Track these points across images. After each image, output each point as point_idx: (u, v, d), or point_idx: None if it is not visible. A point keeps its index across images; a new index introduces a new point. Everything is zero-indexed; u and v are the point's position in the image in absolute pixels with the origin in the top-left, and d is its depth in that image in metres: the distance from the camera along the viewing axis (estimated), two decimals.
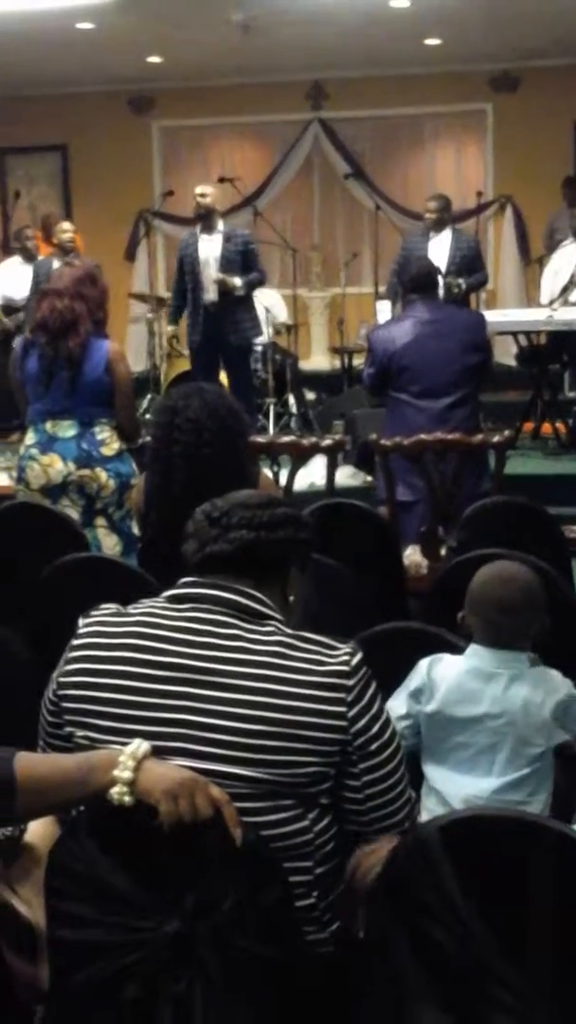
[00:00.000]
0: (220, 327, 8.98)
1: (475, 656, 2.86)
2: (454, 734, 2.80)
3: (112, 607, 2.31)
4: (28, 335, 5.19)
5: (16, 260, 11.11)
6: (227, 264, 8.90)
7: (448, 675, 2.84)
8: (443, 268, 8.96)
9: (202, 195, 9.11)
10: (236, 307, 9.01)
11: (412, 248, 9.52)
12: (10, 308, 10.80)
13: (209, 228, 9.06)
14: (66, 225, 9.94)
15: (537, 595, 2.88)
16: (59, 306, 5.07)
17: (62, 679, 2.24)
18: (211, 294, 8.98)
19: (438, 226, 9.47)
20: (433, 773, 2.81)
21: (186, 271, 9.12)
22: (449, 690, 2.80)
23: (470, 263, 9.28)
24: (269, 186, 13.38)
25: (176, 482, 3.45)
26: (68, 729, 2.21)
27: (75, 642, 2.26)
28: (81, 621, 2.30)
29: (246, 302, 9.15)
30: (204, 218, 9.07)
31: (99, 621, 2.27)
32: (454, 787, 2.75)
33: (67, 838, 2.02)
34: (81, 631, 2.28)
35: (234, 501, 2.36)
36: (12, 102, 13.13)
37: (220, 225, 9.15)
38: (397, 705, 2.79)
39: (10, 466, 7.89)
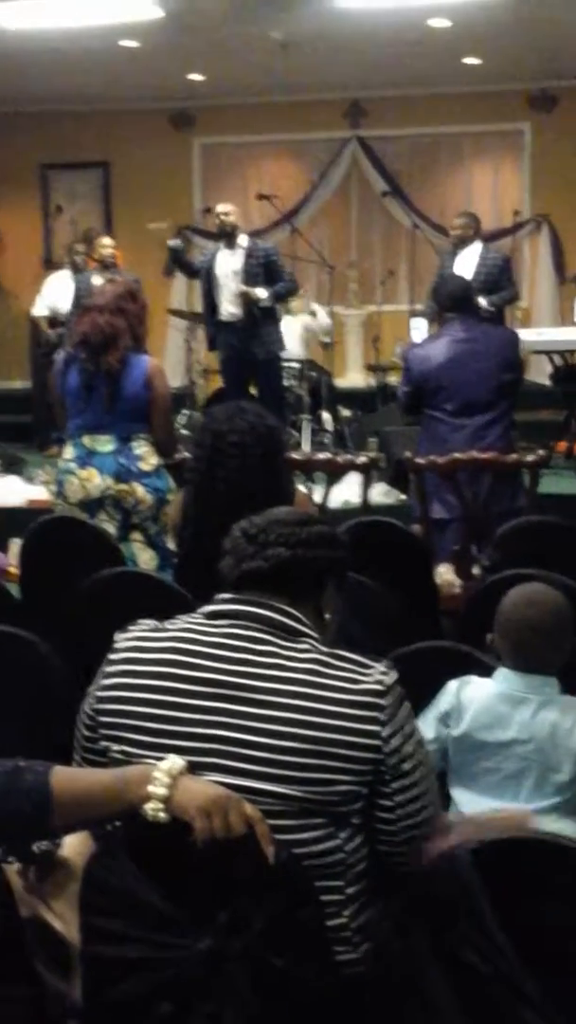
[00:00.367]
0: (245, 342, 9.00)
1: (504, 680, 2.85)
2: (482, 758, 2.80)
3: (149, 623, 2.32)
4: (69, 350, 5.22)
5: (65, 273, 11.14)
6: (249, 278, 8.89)
7: (477, 698, 2.83)
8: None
9: (226, 213, 9.13)
10: (261, 321, 9.00)
11: (445, 267, 9.55)
12: (55, 320, 10.87)
13: (231, 244, 9.06)
14: (106, 240, 10.01)
15: (567, 618, 2.87)
16: (100, 321, 5.09)
17: (99, 693, 2.25)
18: (233, 308, 8.99)
19: (462, 243, 9.43)
20: (461, 796, 2.80)
21: (205, 288, 9.19)
22: (478, 714, 2.80)
23: (495, 280, 9.13)
24: (307, 203, 13.40)
25: (216, 502, 3.45)
26: (104, 744, 2.22)
27: (112, 657, 2.28)
28: (118, 636, 2.31)
29: (270, 316, 9.14)
30: (228, 235, 9.08)
31: (136, 636, 2.29)
32: (481, 811, 2.75)
33: (102, 853, 2.04)
34: (118, 646, 2.29)
35: (271, 518, 2.37)
36: (55, 118, 13.23)
37: (243, 241, 9.13)
38: (425, 728, 2.78)
39: (49, 480, 7.95)
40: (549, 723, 2.76)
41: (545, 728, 2.76)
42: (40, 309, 11.26)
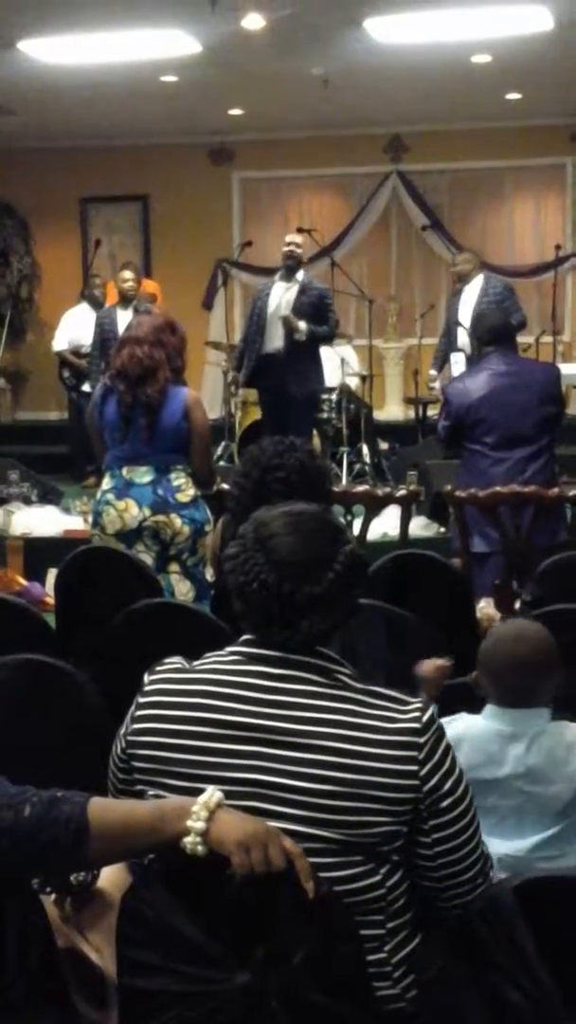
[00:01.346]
0: (282, 377, 8.96)
1: (494, 717, 2.81)
2: (480, 797, 2.76)
3: (176, 662, 2.29)
4: (107, 381, 5.23)
5: (84, 307, 11.28)
6: (299, 316, 8.85)
7: (468, 737, 2.79)
8: (468, 318, 8.97)
9: (297, 245, 9.06)
10: (301, 357, 8.97)
11: (451, 313, 9.63)
12: (78, 354, 10.99)
13: (290, 277, 9.00)
14: (127, 274, 10.01)
15: (550, 653, 2.84)
16: (139, 353, 5.10)
17: (130, 738, 2.23)
18: (276, 342, 8.96)
19: (464, 279, 9.55)
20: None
21: (253, 318, 9.14)
22: (471, 753, 2.76)
23: (498, 306, 9.16)
24: (347, 237, 13.46)
25: None
26: (139, 787, 2.20)
27: (141, 699, 2.25)
28: (146, 678, 2.28)
29: (311, 353, 9.11)
30: (291, 268, 9.00)
31: (164, 678, 2.25)
32: (493, 850, 2.71)
33: (139, 886, 2.02)
34: (147, 688, 2.26)
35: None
36: (94, 152, 13.35)
37: (300, 275, 9.10)
38: None
39: (86, 510, 7.97)
40: (545, 752, 2.74)
41: (541, 758, 2.73)
42: (60, 344, 11.39)
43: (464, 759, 2.72)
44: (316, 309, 8.93)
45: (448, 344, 9.70)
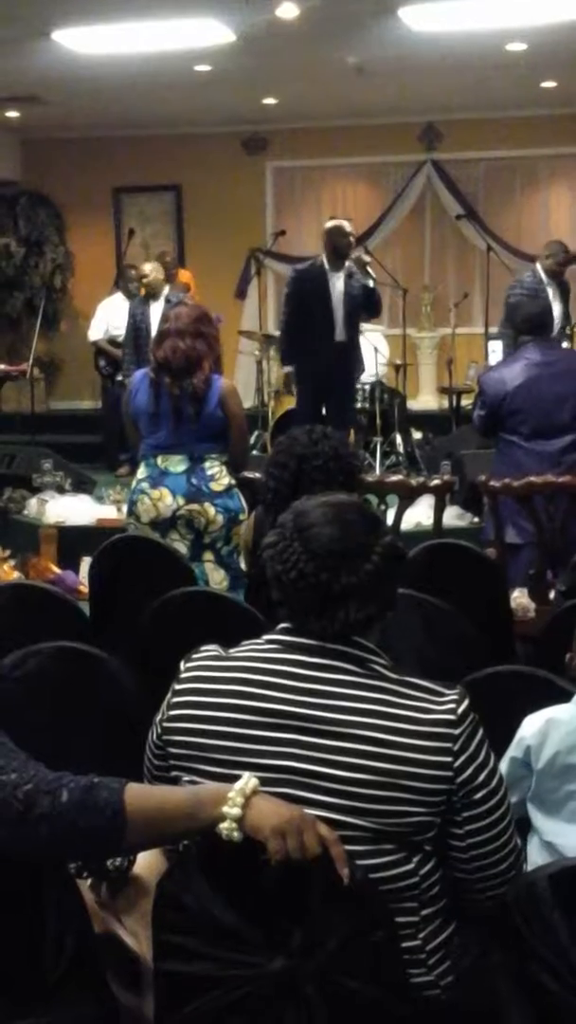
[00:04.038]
0: (337, 365, 8.68)
1: None
2: (567, 783, 2.74)
3: (212, 649, 2.30)
4: (151, 374, 5.24)
5: (119, 297, 11.30)
6: (351, 300, 8.63)
7: (561, 722, 2.77)
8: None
9: (351, 232, 8.77)
10: (355, 344, 8.83)
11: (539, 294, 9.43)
12: (114, 343, 11.01)
13: (339, 266, 8.66)
14: (146, 267, 10.01)
15: None
16: (182, 346, 5.14)
17: (166, 724, 2.24)
18: (341, 332, 8.68)
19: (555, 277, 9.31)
20: (545, 825, 2.73)
21: (313, 308, 8.65)
22: (563, 737, 2.75)
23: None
24: (381, 226, 13.45)
25: None
26: (175, 773, 2.21)
27: (177, 687, 2.26)
28: (182, 665, 2.30)
29: (358, 340, 8.98)
30: (341, 256, 8.64)
31: (200, 665, 2.27)
32: (569, 839, 2.69)
33: (176, 871, 2.03)
34: (183, 675, 2.27)
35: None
36: (128, 142, 13.37)
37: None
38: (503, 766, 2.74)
39: (119, 499, 8.00)
40: None
41: None
42: (96, 333, 11.41)
43: (557, 744, 2.72)
44: (365, 294, 8.70)
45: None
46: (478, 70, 10.68)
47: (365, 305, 8.69)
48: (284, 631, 2.25)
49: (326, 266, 8.68)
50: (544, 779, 2.75)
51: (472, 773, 2.10)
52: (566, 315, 9.28)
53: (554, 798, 2.74)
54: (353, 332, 8.78)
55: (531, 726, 2.77)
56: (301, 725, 2.11)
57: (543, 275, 9.15)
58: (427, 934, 2.10)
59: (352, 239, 8.79)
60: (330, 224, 8.93)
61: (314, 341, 8.69)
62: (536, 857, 2.65)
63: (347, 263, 8.66)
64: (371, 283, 8.60)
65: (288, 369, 9.77)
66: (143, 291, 9.93)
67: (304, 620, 2.20)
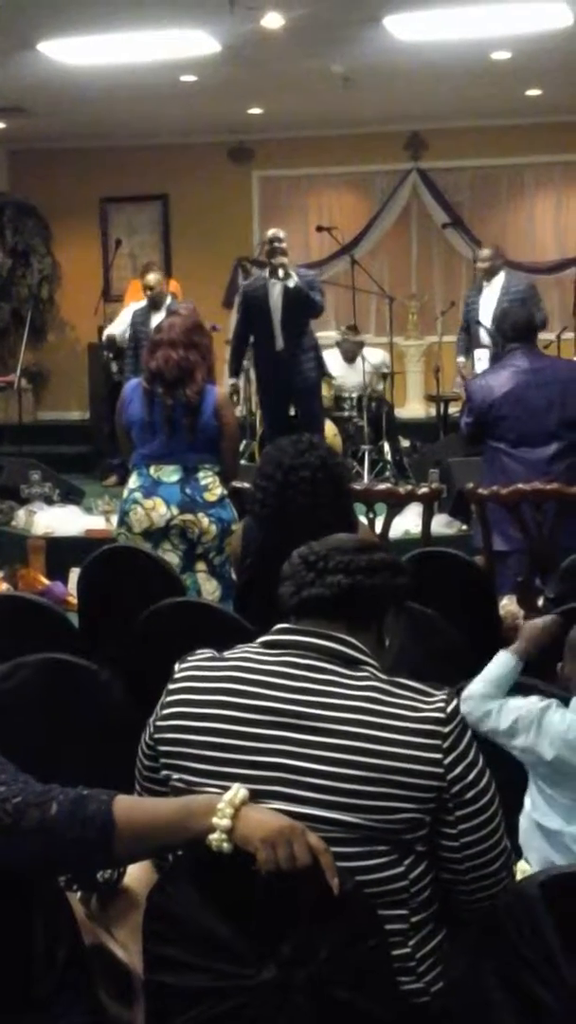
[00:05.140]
0: (287, 373, 8.80)
1: None
2: (562, 788, 2.75)
3: (207, 652, 2.32)
4: (145, 384, 5.24)
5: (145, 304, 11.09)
6: (287, 304, 8.65)
7: (559, 728, 2.78)
8: (489, 316, 8.94)
9: (281, 240, 8.85)
10: (297, 350, 8.83)
11: (470, 306, 9.64)
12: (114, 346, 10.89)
13: (278, 275, 8.67)
14: (150, 278, 10.01)
15: None
16: (174, 356, 5.14)
17: (158, 723, 2.25)
18: (280, 341, 8.78)
19: (490, 275, 9.56)
20: (543, 820, 2.74)
21: (256, 320, 8.87)
22: (561, 746, 2.75)
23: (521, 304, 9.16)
24: (367, 235, 13.48)
25: (285, 535, 3.41)
26: (165, 773, 2.22)
27: (171, 687, 2.28)
28: (177, 667, 2.32)
29: (305, 343, 8.95)
30: (280, 265, 8.66)
31: (194, 667, 2.29)
32: (556, 827, 2.70)
33: (166, 882, 2.03)
34: (177, 676, 2.29)
35: (331, 545, 2.36)
36: (114, 152, 13.39)
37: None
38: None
39: (108, 510, 7.99)
40: None
41: None
42: (115, 328, 11.03)
43: (555, 752, 2.71)
44: (298, 295, 8.66)
45: (468, 340, 9.74)
46: (463, 79, 10.71)
47: (298, 307, 8.71)
48: (277, 631, 2.27)
49: (266, 275, 8.79)
50: (542, 780, 2.75)
51: (462, 771, 2.11)
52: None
53: (551, 800, 2.75)
54: (294, 338, 8.79)
55: (533, 710, 2.76)
56: (291, 723, 2.12)
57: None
58: (417, 941, 2.10)
59: (275, 245, 8.80)
60: (267, 233, 9.11)
61: (258, 353, 8.96)
62: (529, 855, 2.65)
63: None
64: (291, 283, 8.59)
65: (231, 381, 9.89)
66: (132, 296, 9.94)
67: (296, 596, 2.28)
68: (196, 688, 2.23)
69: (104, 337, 11.24)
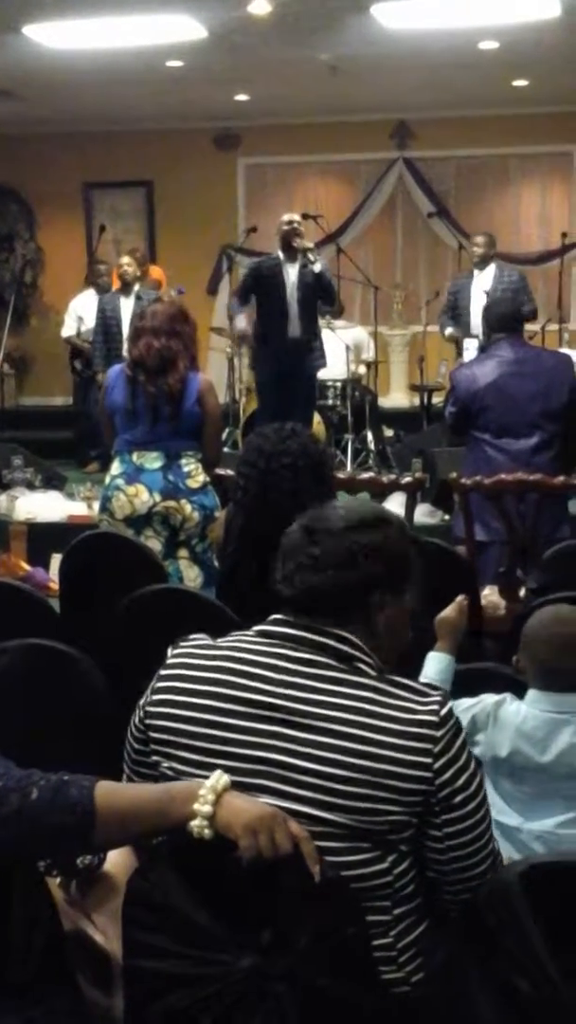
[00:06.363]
0: (300, 361, 8.73)
1: (538, 702, 2.82)
2: (518, 782, 2.77)
3: (202, 637, 2.31)
4: (128, 371, 5.23)
5: (90, 293, 11.25)
6: (305, 289, 8.63)
7: (513, 723, 2.80)
8: (480, 304, 8.95)
9: (296, 222, 8.73)
10: (312, 337, 8.81)
11: (459, 288, 9.66)
12: (87, 340, 10.96)
13: (292, 257, 8.67)
14: (124, 259, 10.06)
15: None
16: (156, 345, 5.13)
17: (149, 708, 2.23)
18: (297, 327, 8.70)
19: (484, 262, 9.66)
20: (501, 817, 2.76)
21: (269, 300, 8.71)
22: (516, 739, 2.76)
23: (513, 296, 9.19)
24: (352, 223, 13.48)
25: (267, 522, 3.41)
26: (155, 758, 2.21)
27: (163, 672, 2.26)
28: (170, 651, 2.30)
29: (317, 331, 8.96)
30: (289, 248, 8.65)
31: (188, 652, 2.27)
32: (515, 823, 2.73)
33: (146, 869, 2.02)
34: (170, 661, 2.27)
35: (328, 525, 2.30)
36: (99, 137, 13.33)
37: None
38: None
39: (90, 496, 7.98)
40: None
41: None
42: (68, 330, 11.34)
43: (510, 744, 2.73)
44: (319, 279, 8.62)
45: (447, 320, 9.91)
46: (450, 68, 10.69)
47: (319, 293, 8.69)
48: (272, 622, 2.25)
49: (281, 257, 8.72)
50: (494, 776, 2.77)
51: (452, 776, 2.09)
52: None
53: (503, 789, 2.77)
54: (309, 326, 8.77)
55: (487, 707, 2.80)
56: (282, 717, 2.11)
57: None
58: (398, 932, 2.10)
59: (296, 227, 8.72)
60: (283, 218, 8.95)
61: (268, 337, 8.78)
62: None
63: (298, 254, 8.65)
64: (318, 267, 8.57)
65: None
66: (117, 283, 9.94)
67: (291, 580, 2.25)
68: (189, 676, 2.22)
69: (68, 340, 11.32)
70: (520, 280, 9.65)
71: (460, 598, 3.21)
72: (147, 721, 2.23)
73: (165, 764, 2.18)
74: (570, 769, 2.72)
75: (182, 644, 2.30)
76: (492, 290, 9.23)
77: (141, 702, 2.28)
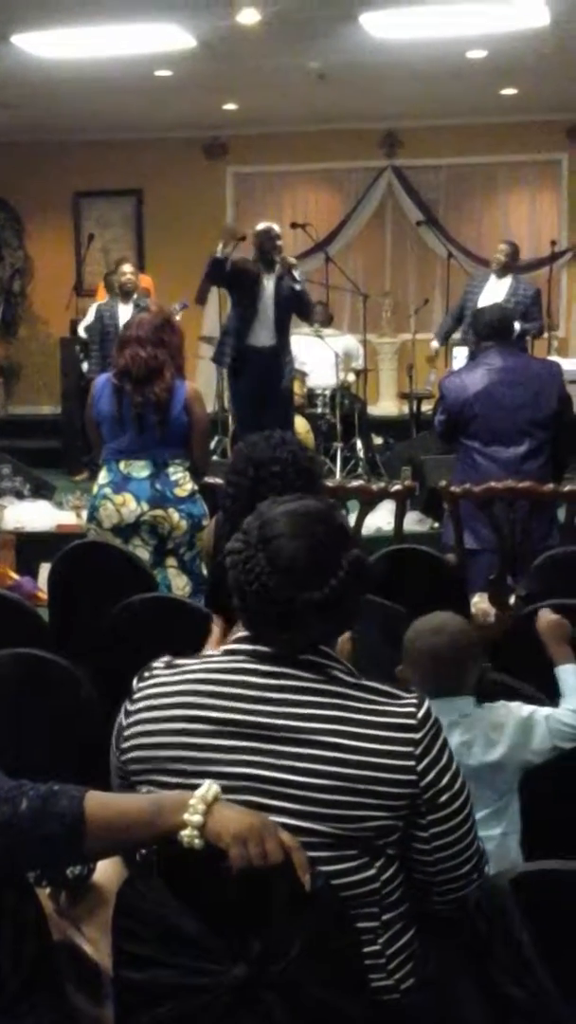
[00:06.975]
0: (275, 371, 8.72)
1: None
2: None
3: (163, 663, 2.26)
4: (114, 380, 5.22)
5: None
6: (282, 303, 8.61)
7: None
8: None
9: (277, 236, 8.72)
10: (283, 350, 8.78)
11: (472, 289, 9.69)
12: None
13: (270, 268, 8.64)
14: (126, 267, 10.07)
15: (468, 643, 2.90)
16: (142, 354, 5.12)
17: (123, 745, 2.21)
18: (273, 337, 8.70)
19: (503, 271, 9.62)
20: None
21: (243, 306, 8.71)
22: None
23: (525, 310, 9.28)
24: (341, 232, 13.50)
25: None
26: (140, 788, 2.19)
27: (130, 707, 2.22)
28: (135, 683, 2.26)
29: (287, 344, 8.92)
30: (268, 260, 8.62)
31: (153, 683, 2.22)
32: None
33: (136, 879, 2.01)
34: (136, 696, 2.23)
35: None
36: (88, 146, 13.34)
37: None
38: None
39: (79, 505, 7.97)
40: (474, 736, 2.80)
41: (475, 743, 2.80)
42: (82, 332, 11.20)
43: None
44: (293, 292, 8.60)
45: (450, 324, 9.98)
46: (439, 77, 10.73)
47: (295, 308, 8.68)
48: (241, 640, 2.22)
49: (259, 268, 8.68)
50: None
51: (435, 776, 2.09)
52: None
53: None
54: (282, 337, 8.74)
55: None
56: (258, 733, 2.09)
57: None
58: (387, 939, 2.10)
59: (279, 243, 8.70)
60: (259, 227, 8.89)
61: (243, 343, 8.72)
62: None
63: (277, 266, 8.63)
64: (298, 286, 8.57)
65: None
66: (103, 293, 9.95)
67: (263, 631, 2.17)
68: (158, 704, 2.18)
69: (80, 333, 11.24)
70: (535, 296, 9.61)
71: (544, 609, 3.18)
72: (123, 758, 2.20)
73: (145, 790, 2.15)
74: (466, 770, 2.74)
75: (145, 675, 2.25)
76: (505, 301, 9.19)
77: (113, 738, 2.24)
